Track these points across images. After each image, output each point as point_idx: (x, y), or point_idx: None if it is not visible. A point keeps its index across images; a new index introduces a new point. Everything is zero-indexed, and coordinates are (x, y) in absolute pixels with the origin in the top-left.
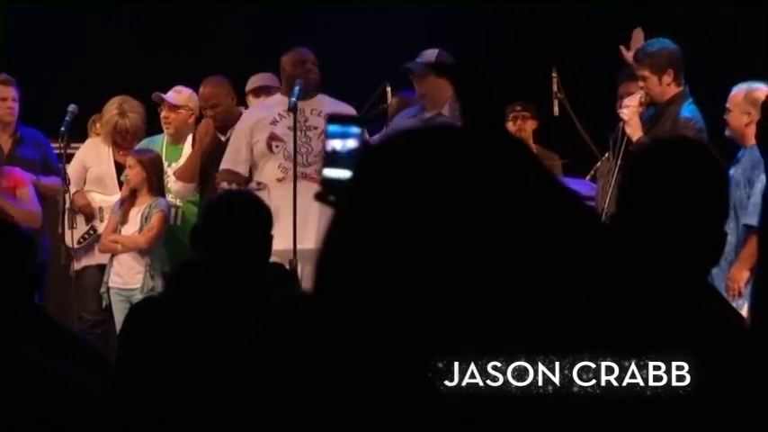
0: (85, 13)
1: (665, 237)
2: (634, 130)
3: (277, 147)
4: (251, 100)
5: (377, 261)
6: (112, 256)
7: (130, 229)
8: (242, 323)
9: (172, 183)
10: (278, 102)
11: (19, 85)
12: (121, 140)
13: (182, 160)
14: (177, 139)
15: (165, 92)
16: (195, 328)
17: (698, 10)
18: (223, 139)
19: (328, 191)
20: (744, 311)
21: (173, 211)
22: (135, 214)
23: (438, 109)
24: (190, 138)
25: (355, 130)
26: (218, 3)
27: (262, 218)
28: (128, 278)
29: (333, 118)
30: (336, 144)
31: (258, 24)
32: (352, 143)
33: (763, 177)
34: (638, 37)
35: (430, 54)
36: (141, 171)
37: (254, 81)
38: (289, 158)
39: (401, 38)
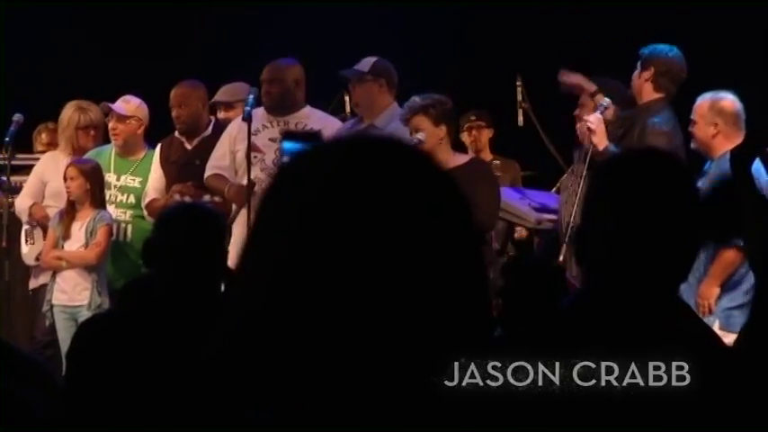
0: (29, 22)
1: (631, 251)
2: (600, 140)
3: (255, 157)
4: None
5: (329, 279)
6: (55, 272)
7: (74, 244)
8: (196, 340)
9: (122, 197)
10: (261, 113)
11: None
12: (85, 139)
13: (152, 187)
14: (126, 151)
15: (114, 102)
16: (148, 346)
17: (666, 17)
18: (189, 147)
19: None
20: (715, 328)
21: (121, 226)
22: (78, 228)
23: (372, 119)
24: (157, 153)
25: (309, 146)
26: (169, 7)
27: (215, 231)
28: (73, 295)
29: (289, 135)
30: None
31: (221, 31)
32: None
33: None
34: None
35: (366, 61)
36: (84, 182)
37: (219, 93)
38: (265, 170)
39: (365, 45)
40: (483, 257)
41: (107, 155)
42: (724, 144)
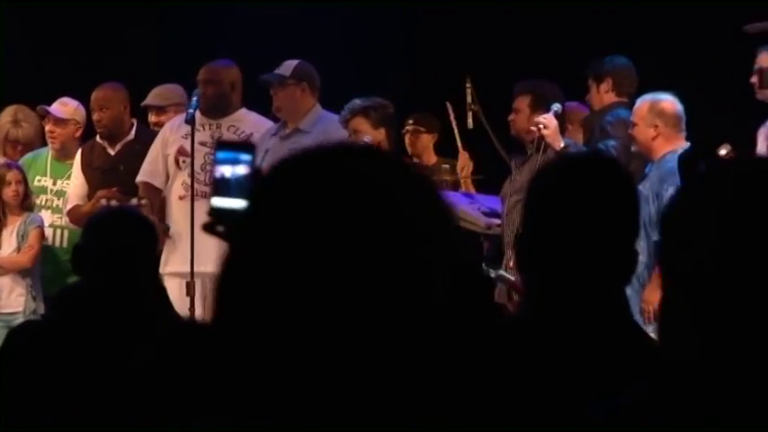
0: None
1: (572, 256)
2: (554, 139)
3: (184, 162)
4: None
5: (277, 290)
6: None
7: (6, 249)
8: (128, 347)
9: (58, 202)
10: (197, 115)
11: None
12: (12, 152)
13: (74, 193)
14: (63, 155)
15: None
16: (79, 353)
17: (607, 19)
18: (112, 152)
19: (217, 221)
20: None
21: (57, 231)
22: (9, 234)
23: (296, 123)
24: (78, 158)
25: (246, 156)
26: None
27: (146, 236)
28: (8, 301)
29: (222, 144)
30: (226, 171)
31: (164, 31)
32: (242, 170)
33: (671, 191)
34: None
35: (288, 65)
36: (25, 188)
37: (150, 96)
38: (192, 175)
39: (314, 45)
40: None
41: (43, 158)
42: (664, 146)
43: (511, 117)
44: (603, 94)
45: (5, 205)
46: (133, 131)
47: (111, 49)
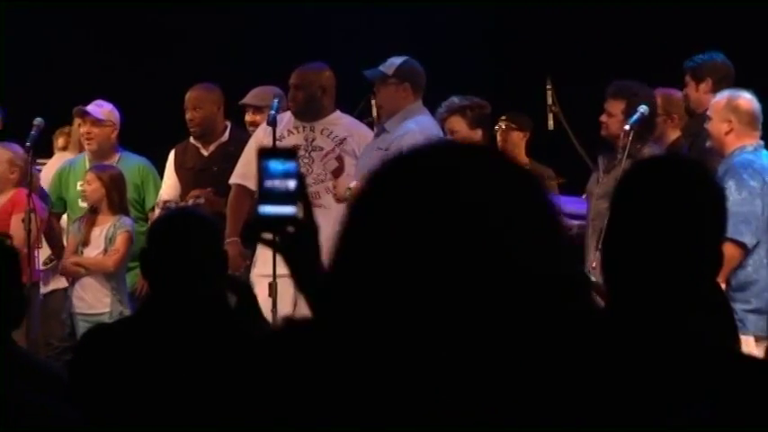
0: (50, 24)
1: (658, 259)
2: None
3: None
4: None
5: (389, 292)
6: (74, 279)
7: (93, 250)
8: (194, 348)
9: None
10: (288, 117)
11: None
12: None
13: (166, 193)
14: (99, 156)
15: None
16: (148, 356)
17: (692, 20)
18: (205, 153)
19: (264, 228)
20: None
21: None
22: (97, 235)
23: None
24: (171, 159)
25: (290, 163)
26: (191, 10)
27: (208, 235)
28: (93, 303)
29: (266, 152)
30: (272, 179)
31: (237, 31)
32: (287, 177)
33: (732, 184)
34: None
35: (392, 63)
36: (100, 187)
37: (248, 96)
38: None
39: (397, 49)
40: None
41: (81, 163)
42: (735, 142)
43: (603, 118)
44: (703, 95)
45: (94, 205)
46: (227, 133)
47: (200, 49)
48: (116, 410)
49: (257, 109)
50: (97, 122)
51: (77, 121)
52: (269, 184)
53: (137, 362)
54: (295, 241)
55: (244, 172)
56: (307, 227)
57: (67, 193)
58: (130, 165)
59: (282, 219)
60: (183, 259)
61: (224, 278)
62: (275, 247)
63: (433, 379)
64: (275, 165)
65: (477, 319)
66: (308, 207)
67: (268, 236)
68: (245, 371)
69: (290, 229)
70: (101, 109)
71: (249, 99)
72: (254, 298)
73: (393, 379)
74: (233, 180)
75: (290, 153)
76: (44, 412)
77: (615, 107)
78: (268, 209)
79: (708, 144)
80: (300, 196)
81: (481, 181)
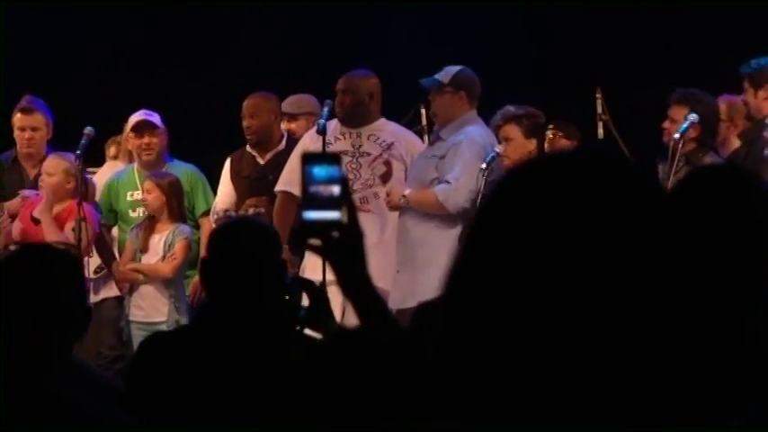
0: (102, 31)
1: (706, 270)
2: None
3: None
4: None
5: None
6: (132, 287)
7: (152, 257)
8: (253, 358)
9: None
10: (335, 124)
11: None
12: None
13: (222, 201)
14: (152, 165)
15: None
16: (206, 364)
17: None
18: (262, 161)
19: (310, 234)
20: None
21: None
22: (156, 242)
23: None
24: (227, 167)
25: (333, 167)
26: (240, 18)
27: (268, 244)
28: (150, 311)
29: (309, 157)
30: (316, 184)
31: (286, 42)
32: (332, 183)
33: None
34: None
35: (448, 71)
36: (160, 195)
37: (283, 104)
38: None
39: (446, 58)
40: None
41: (130, 174)
42: None
43: (665, 125)
44: (762, 101)
45: (153, 213)
46: (284, 142)
47: (242, 59)
48: (172, 419)
49: (292, 117)
50: (155, 132)
51: (128, 130)
52: (313, 189)
53: (194, 371)
54: (340, 246)
55: (289, 179)
56: (351, 232)
57: (118, 204)
58: (179, 172)
59: (327, 224)
60: (243, 268)
61: (297, 280)
62: (321, 252)
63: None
64: (319, 170)
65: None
66: (352, 212)
67: (315, 242)
68: (296, 382)
69: (335, 234)
70: (153, 118)
71: (284, 107)
72: (326, 300)
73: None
74: (278, 187)
75: (333, 158)
76: (103, 420)
77: (678, 113)
78: (312, 214)
79: (766, 152)
80: (345, 201)
81: (618, 192)
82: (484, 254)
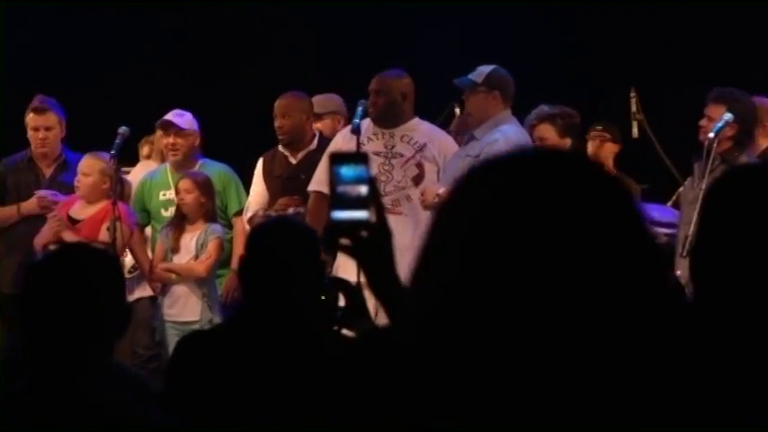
0: (135, 31)
1: (746, 270)
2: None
3: None
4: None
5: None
6: (165, 287)
7: (184, 257)
8: (296, 356)
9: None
10: (368, 124)
11: (68, 106)
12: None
13: (254, 201)
14: (182, 165)
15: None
16: (246, 364)
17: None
18: (294, 161)
19: (339, 234)
20: None
21: None
22: (188, 241)
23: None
24: (259, 167)
25: (361, 167)
26: (272, 19)
27: (308, 243)
28: (183, 310)
29: (337, 157)
30: (344, 184)
31: (318, 39)
32: (360, 183)
33: None
34: None
35: (481, 71)
36: (199, 195)
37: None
38: None
39: (479, 57)
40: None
41: (163, 173)
42: None
43: (702, 122)
44: None
45: (188, 213)
46: (315, 141)
47: (270, 59)
48: (210, 418)
49: (317, 116)
50: (181, 133)
51: (159, 131)
52: (341, 189)
53: (231, 370)
54: (369, 246)
55: (321, 179)
56: (380, 231)
57: (150, 204)
58: (211, 172)
59: (355, 224)
60: (281, 268)
61: (334, 280)
62: (350, 252)
63: (526, 391)
64: (346, 170)
65: (565, 332)
66: (380, 212)
67: (345, 241)
68: (331, 382)
69: (364, 233)
70: (182, 119)
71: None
72: (362, 300)
73: (478, 390)
74: (311, 187)
75: (360, 158)
76: (145, 420)
77: (716, 112)
78: (341, 214)
79: None
80: (373, 201)
81: (570, 188)
82: (437, 251)
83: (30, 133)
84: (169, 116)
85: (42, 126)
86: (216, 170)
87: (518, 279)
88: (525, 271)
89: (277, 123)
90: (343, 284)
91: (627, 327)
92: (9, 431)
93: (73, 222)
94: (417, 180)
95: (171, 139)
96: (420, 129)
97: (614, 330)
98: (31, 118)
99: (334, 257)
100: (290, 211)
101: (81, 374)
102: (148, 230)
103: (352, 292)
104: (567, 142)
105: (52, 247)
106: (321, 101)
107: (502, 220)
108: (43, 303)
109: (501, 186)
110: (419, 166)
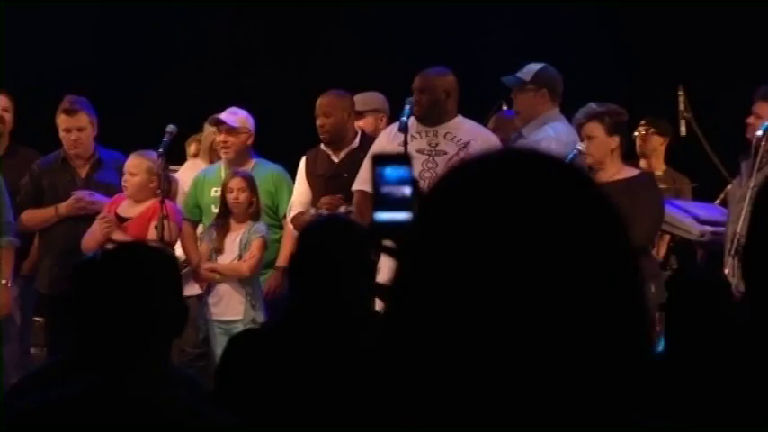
0: (183, 31)
1: None
2: None
3: None
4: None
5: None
6: (209, 285)
7: (228, 256)
8: (347, 354)
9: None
10: (411, 122)
11: (115, 105)
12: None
13: (297, 200)
14: (236, 164)
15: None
16: (298, 362)
17: None
18: (336, 160)
19: (382, 235)
20: None
21: None
22: (232, 240)
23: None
24: (302, 166)
25: (404, 168)
26: (323, 18)
27: (360, 242)
28: (227, 309)
29: (379, 158)
30: (387, 185)
31: (365, 39)
32: (403, 184)
33: None
34: None
35: (529, 69)
36: (251, 194)
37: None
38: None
39: (526, 54)
40: (638, 272)
41: (217, 170)
42: None
43: (750, 120)
44: None
45: (238, 212)
46: (357, 139)
47: (313, 55)
48: (261, 416)
49: (359, 114)
50: (232, 131)
51: (208, 128)
52: (385, 190)
53: (283, 368)
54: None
55: (366, 178)
56: None
57: (203, 199)
58: (265, 172)
59: (398, 225)
60: (333, 266)
61: (375, 286)
62: (393, 253)
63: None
64: (390, 171)
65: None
66: None
67: (388, 243)
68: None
69: (406, 235)
70: (235, 117)
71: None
72: None
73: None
74: (355, 186)
75: (403, 159)
76: (206, 420)
77: (763, 110)
78: (384, 215)
79: None
80: (416, 202)
81: (541, 196)
82: (417, 250)
83: (62, 134)
84: (223, 114)
85: (74, 127)
86: (269, 171)
87: (480, 280)
88: (488, 272)
89: (319, 122)
90: (383, 290)
91: (593, 330)
92: None
93: (121, 221)
94: None
95: (222, 137)
96: (464, 127)
97: (578, 330)
98: (62, 119)
99: (378, 258)
100: (342, 209)
101: (141, 375)
102: (201, 228)
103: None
104: (615, 140)
105: (110, 247)
106: (363, 99)
107: (472, 220)
108: (101, 303)
109: (470, 187)
110: None
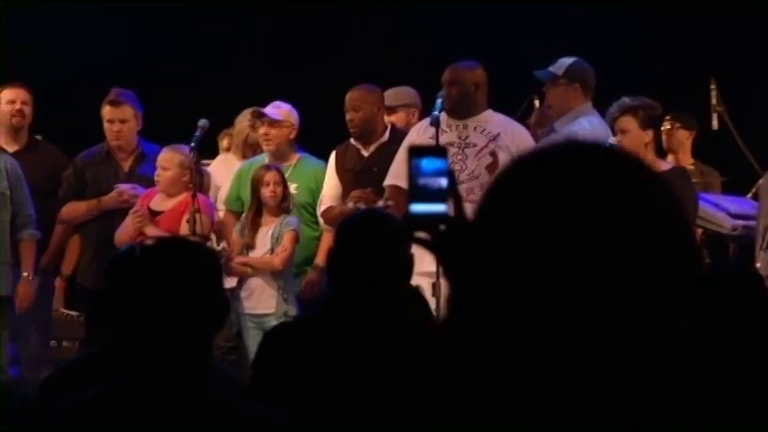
0: (218, 25)
1: None
2: None
3: None
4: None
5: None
6: (241, 279)
7: (260, 250)
8: (384, 347)
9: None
10: (441, 115)
11: (147, 99)
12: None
13: (327, 194)
14: (278, 157)
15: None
16: (334, 355)
17: None
18: (366, 154)
19: (417, 227)
20: None
21: None
22: (264, 234)
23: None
24: (332, 160)
25: (440, 160)
26: (356, 13)
27: (397, 235)
28: (259, 303)
29: (415, 149)
30: (423, 178)
31: (399, 33)
32: (440, 175)
33: None
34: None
35: (562, 63)
36: (284, 188)
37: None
38: None
39: (553, 49)
40: (700, 252)
41: (260, 163)
42: None
43: None
44: None
45: (263, 205)
46: (387, 133)
47: (345, 51)
48: (297, 410)
49: (391, 109)
50: (274, 123)
51: (240, 122)
52: (421, 182)
53: (319, 362)
54: (447, 239)
55: (398, 172)
56: (458, 224)
57: (244, 192)
58: (308, 168)
59: (434, 217)
60: (370, 260)
61: (407, 280)
62: (429, 245)
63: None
64: (426, 163)
65: (610, 328)
66: (459, 204)
67: (422, 235)
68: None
69: (442, 227)
70: (278, 110)
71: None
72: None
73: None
74: (388, 181)
75: (440, 151)
76: (248, 414)
77: None
78: (419, 207)
79: None
80: (452, 193)
81: (614, 183)
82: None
83: (105, 125)
84: (267, 107)
85: (118, 118)
86: (314, 167)
87: (561, 271)
88: (571, 265)
89: (348, 117)
90: (412, 292)
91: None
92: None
93: (153, 215)
94: (492, 168)
95: (263, 130)
96: (493, 120)
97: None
98: (106, 111)
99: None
100: (380, 203)
101: (186, 372)
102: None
103: (421, 299)
104: (649, 134)
105: (149, 242)
106: (395, 93)
107: (545, 213)
108: (144, 299)
109: (544, 180)
110: (493, 154)
